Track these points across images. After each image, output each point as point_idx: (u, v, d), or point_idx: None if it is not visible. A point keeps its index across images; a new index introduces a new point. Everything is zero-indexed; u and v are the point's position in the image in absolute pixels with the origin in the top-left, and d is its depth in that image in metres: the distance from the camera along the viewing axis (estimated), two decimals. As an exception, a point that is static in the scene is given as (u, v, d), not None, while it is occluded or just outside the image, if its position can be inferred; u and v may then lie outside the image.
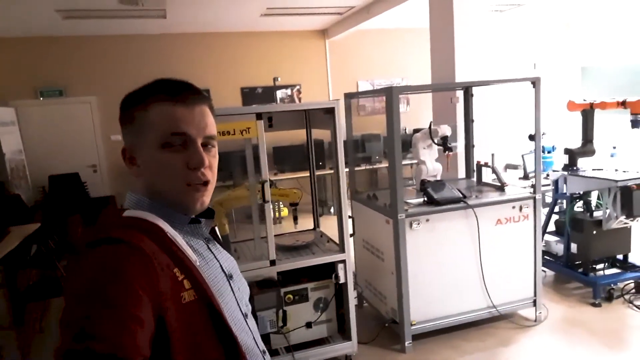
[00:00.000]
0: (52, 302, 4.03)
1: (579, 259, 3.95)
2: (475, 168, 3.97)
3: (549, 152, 5.82)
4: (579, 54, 8.65)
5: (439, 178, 3.74)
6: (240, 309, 1.00)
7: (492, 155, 5.50)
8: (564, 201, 4.23)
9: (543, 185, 4.95)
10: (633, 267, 3.92)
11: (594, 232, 3.78)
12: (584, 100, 4.08)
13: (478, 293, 3.35)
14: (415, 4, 5.25)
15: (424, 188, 3.33)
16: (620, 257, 4.01)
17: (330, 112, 2.94)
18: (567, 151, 4.12)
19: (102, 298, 0.74)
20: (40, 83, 6.57)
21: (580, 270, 3.92)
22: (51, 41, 6.49)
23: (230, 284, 1.00)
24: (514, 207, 3.35)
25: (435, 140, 3.51)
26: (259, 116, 2.72)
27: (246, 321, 1.01)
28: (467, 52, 4.28)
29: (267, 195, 2.77)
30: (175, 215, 0.95)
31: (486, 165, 3.73)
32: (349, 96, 3.89)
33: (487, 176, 3.96)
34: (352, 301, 3.08)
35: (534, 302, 3.49)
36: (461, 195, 3.24)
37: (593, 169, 4.04)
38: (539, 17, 8.10)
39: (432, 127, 3.55)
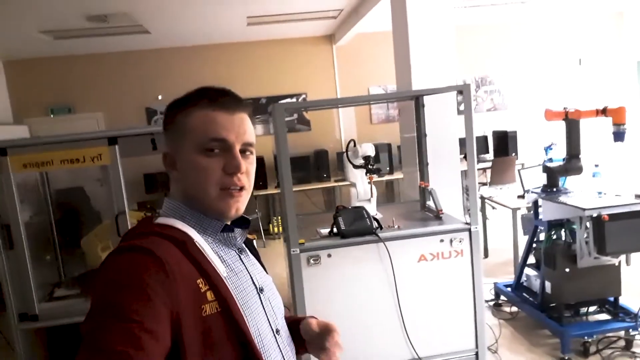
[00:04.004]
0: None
1: (554, 301, 3.25)
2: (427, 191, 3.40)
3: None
4: (634, 46, 7.46)
5: (373, 203, 3.26)
6: (270, 325, 0.97)
7: (519, 171, 4.82)
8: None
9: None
10: (627, 314, 3.15)
11: (567, 269, 3.08)
12: (565, 108, 3.36)
13: (399, 341, 2.83)
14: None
15: (335, 216, 2.88)
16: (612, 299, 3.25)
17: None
18: (546, 169, 3.42)
19: (118, 311, 0.73)
20: (51, 101, 6.86)
21: (556, 314, 3.22)
22: (56, 61, 6.74)
23: (260, 298, 0.97)
24: (442, 241, 2.79)
25: (356, 162, 3.04)
26: (112, 141, 2.47)
27: (276, 337, 0.97)
28: (423, 57, 3.70)
29: (125, 228, 2.51)
30: (209, 222, 0.94)
31: (426, 187, 3.18)
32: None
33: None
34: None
35: (476, 355, 2.89)
36: (372, 226, 2.75)
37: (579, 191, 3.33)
38: (584, 6, 7.09)
39: (351, 145, 3.08)
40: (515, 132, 7.04)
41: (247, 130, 0.96)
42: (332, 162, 7.10)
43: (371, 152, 3.04)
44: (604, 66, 7.59)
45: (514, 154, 6.99)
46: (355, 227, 2.77)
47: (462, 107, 7.62)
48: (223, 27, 5.94)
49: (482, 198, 4.99)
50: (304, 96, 7.24)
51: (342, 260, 2.75)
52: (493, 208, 6.22)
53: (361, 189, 3.23)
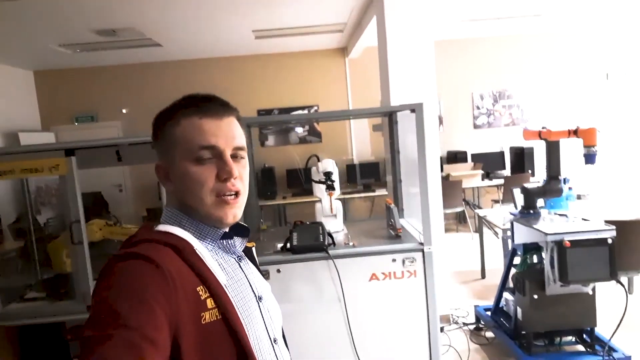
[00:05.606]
0: None
1: (525, 329, 3.10)
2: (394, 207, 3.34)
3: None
4: (667, 60, 7.06)
5: (339, 218, 3.24)
6: (269, 333, 0.97)
7: (512, 190, 4.64)
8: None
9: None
10: (603, 346, 2.97)
11: (535, 296, 2.94)
12: (543, 127, 3.23)
13: (350, 361, 2.79)
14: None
15: (291, 230, 2.88)
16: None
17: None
18: (523, 190, 3.29)
19: (118, 318, 0.72)
20: (76, 110, 7.25)
21: (527, 343, 3.07)
22: (80, 72, 7.13)
23: (259, 307, 0.98)
24: (394, 260, 2.74)
25: (316, 178, 3.04)
26: (69, 152, 2.59)
27: (273, 347, 0.97)
28: (402, 75, 3.66)
29: (79, 236, 2.62)
30: (208, 229, 0.95)
31: (389, 204, 3.12)
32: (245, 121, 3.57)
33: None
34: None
35: (430, 379, 2.80)
36: (324, 243, 2.74)
37: (555, 213, 3.19)
38: (609, 19, 6.78)
39: (314, 160, 3.08)
40: (531, 148, 6.79)
41: (236, 134, 0.95)
42: (342, 174, 7.07)
43: (331, 168, 3.03)
44: (633, 81, 7.20)
45: (529, 171, 6.73)
46: (306, 243, 2.76)
47: (477, 122, 7.40)
48: (232, 40, 6.09)
49: (479, 217, 4.84)
50: (315, 108, 7.29)
51: (291, 276, 2.74)
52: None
53: (326, 204, 3.22)
